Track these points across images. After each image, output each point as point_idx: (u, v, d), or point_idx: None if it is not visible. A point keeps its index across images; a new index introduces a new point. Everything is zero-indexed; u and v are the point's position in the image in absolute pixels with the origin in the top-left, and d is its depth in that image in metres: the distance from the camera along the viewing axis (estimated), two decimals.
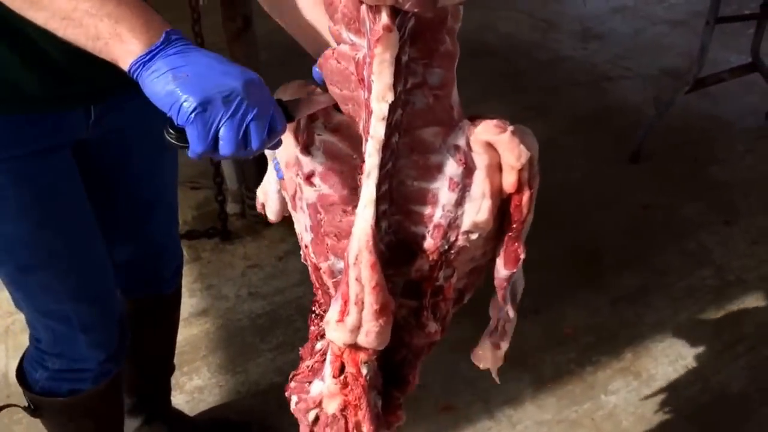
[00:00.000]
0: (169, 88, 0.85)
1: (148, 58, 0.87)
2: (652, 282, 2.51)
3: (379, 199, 0.98)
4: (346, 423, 1.16)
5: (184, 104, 0.84)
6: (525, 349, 2.27)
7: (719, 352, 2.26)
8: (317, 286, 1.22)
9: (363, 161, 0.97)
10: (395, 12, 0.87)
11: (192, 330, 2.34)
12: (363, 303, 1.00)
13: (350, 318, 1.02)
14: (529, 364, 2.22)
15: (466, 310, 2.36)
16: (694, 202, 2.87)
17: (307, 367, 1.26)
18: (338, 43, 0.99)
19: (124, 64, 0.88)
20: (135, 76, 0.88)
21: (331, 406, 1.16)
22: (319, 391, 1.19)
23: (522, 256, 1.09)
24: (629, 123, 3.35)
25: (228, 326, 2.35)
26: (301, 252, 1.22)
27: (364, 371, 1.09)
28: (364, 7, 0.89)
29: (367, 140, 0.94)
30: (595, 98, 3.58)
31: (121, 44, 0.88)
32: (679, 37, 4.18)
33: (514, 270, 1.11)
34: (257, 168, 2.52)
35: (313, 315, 1.27)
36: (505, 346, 1.28)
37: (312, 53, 1.12)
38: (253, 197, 2.55)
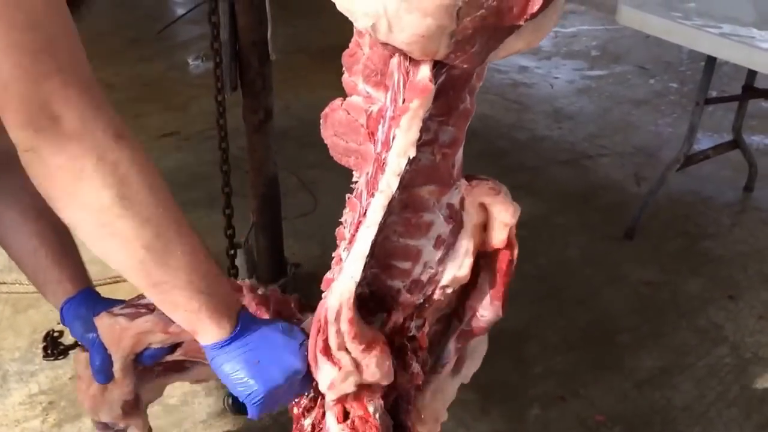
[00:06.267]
0: (240, 374, 0.90)
1: (226, 343, 0.90)
2: (672, 362, 2.34)
3: None
4: None
5: (252, 393, 0.90)
6: None
7: None
8: None
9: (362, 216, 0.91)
10: (433, 67, 0.83)
11: None
12: (346, 350, 0.95)
13: (344, 363, 0.95)
14: None
15: (495, 401, 2.15)
16: (695, 277, 2.74)
17: None
18: (350, 95, 0.94)
19: (203, 341, 0.91)
20: (209, 354, 0.92)
21: None
22: None
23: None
24: (616, 200, 3.24)
25: (251, 427, 2.09)
26: None
27: (371, 409, 1.00)
28: (395, 60, 0.85)
29: (372, 194, 0.89)
30: (579, 176, 3.47)
31: (206, 324, 0.90)
32: (643, 116, 4.14)
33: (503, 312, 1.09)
34: (269, 259, 2.30)
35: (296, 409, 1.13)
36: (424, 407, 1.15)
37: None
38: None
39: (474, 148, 3.89)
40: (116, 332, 1.05)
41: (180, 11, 5.31)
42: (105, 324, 1.06)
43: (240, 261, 2.36)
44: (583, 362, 2.33)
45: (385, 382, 0.99)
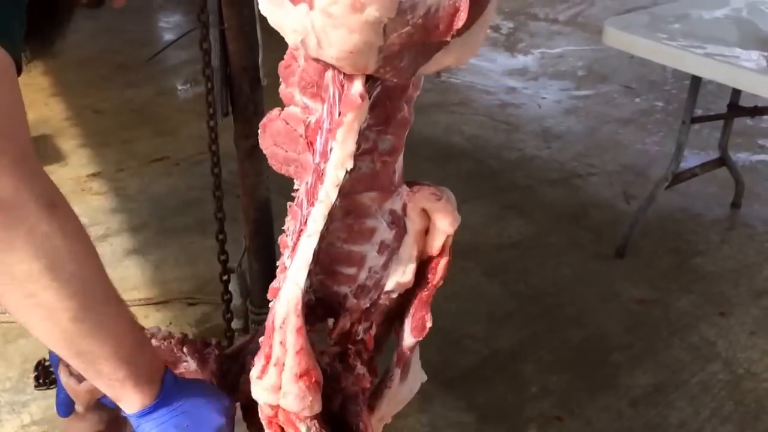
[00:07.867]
0: None
1: (151, 410, 0.90)
2: (666, 380, 2.35)
3: None
4: None
5: None
6: None
7: None
8: None
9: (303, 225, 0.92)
10: (366, 80, 0.84)
11: None
12: (283, 365, 0.93)
13: (268, 378, 0.94)
14: None
15: (492, 422, 2.15)
16: (687, 294, 2.75)
17: None
18: (287, 105, 0.96)
19: (127, 409, 0.91)
20: (135, 422, 0.91)
21: None
22: None
23: (429, 324, 1.08)
24: (606, 218, 3.26)
25: None
26: None
27: (303, 430, 0.98)
28: (329, 74, 0.86)
29: (312, 203, 0.90)
30: (569, 195, 3.49)
31: (130, 393, 0.89)
32: (630, 135, 4.17)
33: (420, 338, 1.10)
34: (263, 283, 2.30)
35: None
36: (379, 410, 1.14)
37: None
38: (258, 312, 2.33)
39: (464, 169, 3.91)
40: (71, 388, 1.06)
41: (167, 36, 5.33)
42: (63, 379, 1.07)
43: (233, 286, 2.36)
44: (579, 381, 2.34)
45: (301, 414, 0.97)
